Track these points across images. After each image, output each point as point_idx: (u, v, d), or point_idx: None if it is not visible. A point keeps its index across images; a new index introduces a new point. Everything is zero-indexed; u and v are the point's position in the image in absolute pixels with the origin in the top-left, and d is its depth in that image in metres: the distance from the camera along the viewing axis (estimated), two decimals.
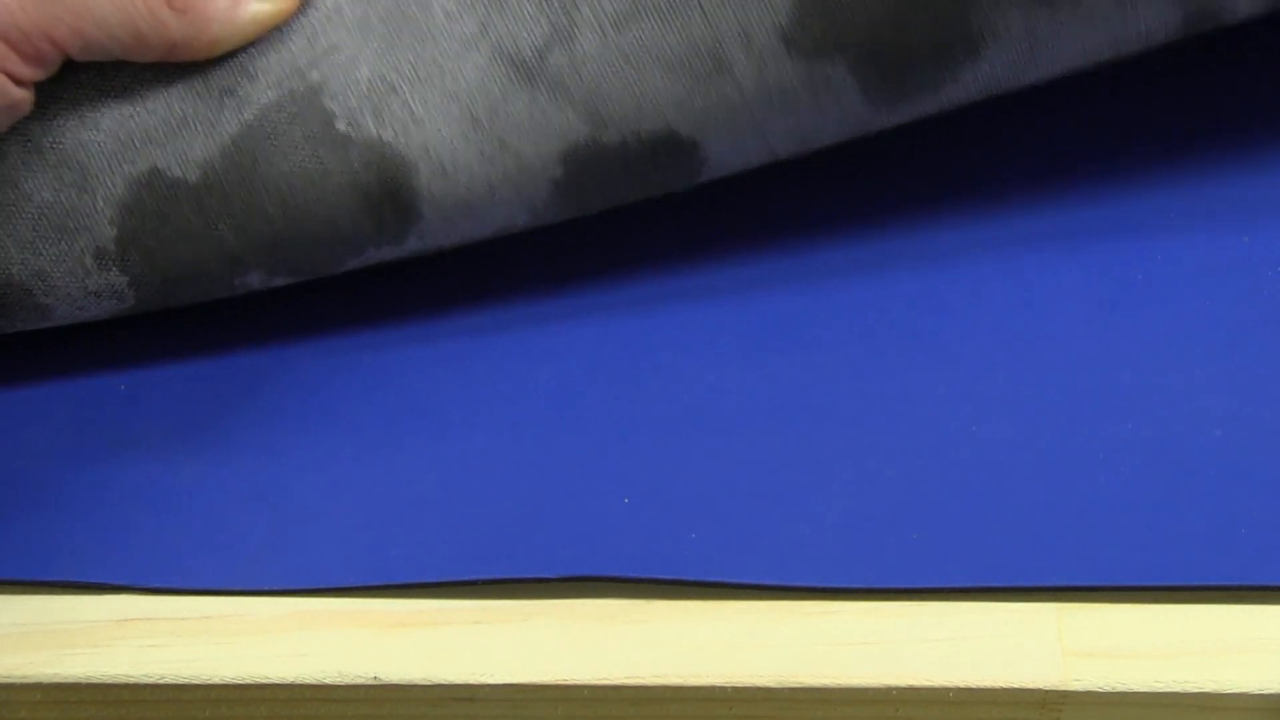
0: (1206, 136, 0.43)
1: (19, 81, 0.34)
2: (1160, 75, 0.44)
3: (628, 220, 0.40)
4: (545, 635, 0.34)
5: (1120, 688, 0.33)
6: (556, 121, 0.36)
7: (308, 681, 0.34)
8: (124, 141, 0.36)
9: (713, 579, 0.35)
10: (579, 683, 0.34)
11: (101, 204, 0.36)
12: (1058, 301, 0.39)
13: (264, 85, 0.36)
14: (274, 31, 0.36)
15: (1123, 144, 0.43)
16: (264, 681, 0.34)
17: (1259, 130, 0.43)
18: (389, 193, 0.36)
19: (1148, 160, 0.42)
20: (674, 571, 0.35)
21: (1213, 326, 0.39)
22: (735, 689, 0.33)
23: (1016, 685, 0.33)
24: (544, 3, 0.35)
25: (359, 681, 0.34)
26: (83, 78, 0.35)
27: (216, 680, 0.34)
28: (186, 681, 0.34)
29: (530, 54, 0.36)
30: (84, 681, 0.34)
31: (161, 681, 0.34)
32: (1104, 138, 0.43)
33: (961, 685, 0.33)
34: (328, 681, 0.34)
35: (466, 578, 0.35)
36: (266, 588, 0.35)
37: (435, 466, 0.37)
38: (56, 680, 0.34)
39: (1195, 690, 0.33)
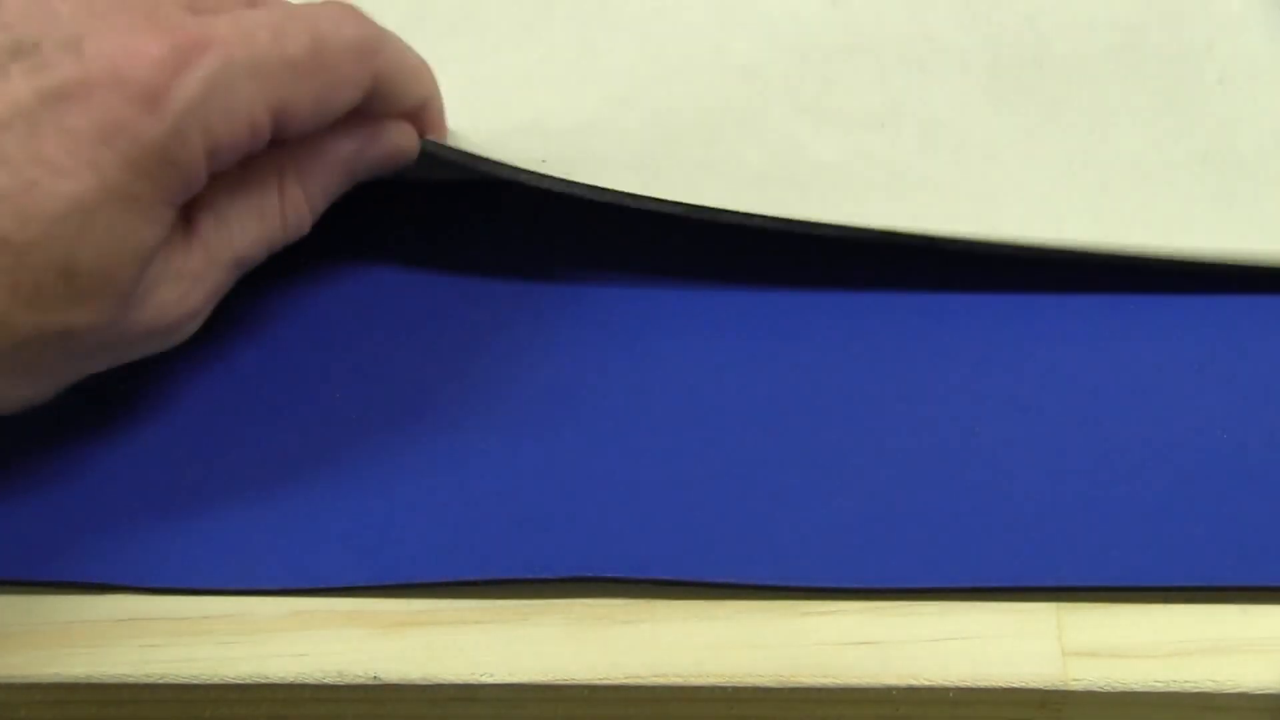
0: None
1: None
2: None
3: (629, 220, 0.40)
4: (545, 635, 0.34)
5: (1120, 688, 0.33)
6: None
7: (308, 681, 0.34)
8: None
9: (713, 579, 0.35)
10: (579, 683, 0.34)
11: None
12: (1058, 300, 0.39)
13: None
14: None
15: None
16: (264, 681, 0.34)
17: None
18: None
19: None
20: (674, 571, 0.35)
21: (1214, 326, 0.39)
22: (735, 689, 0.33)
23: (1016, 685, 0.33)
24: None
25: (359, 681, 0.34)
26: None
27: (216, 680, 0.34)
28: (186, 681, 0.34)
29: None
30: (84, 681, 0.34)
31: (161, 681, 0.34)
32: None
33: (961, 685, 0.33)
34: (328, 681, 0.34)
35: (466, 577, 0.35)
36: (266, 588, 0.35)
37: (435, 466, 0.37)
38: (56, 680, 0.34)
39: (1195, 690, 0.33)
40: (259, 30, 0.33)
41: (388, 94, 0.36)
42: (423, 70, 0.38)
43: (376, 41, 0.36)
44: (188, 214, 0.34)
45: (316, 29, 0.34)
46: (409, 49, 0.37)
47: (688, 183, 0.40)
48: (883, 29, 0.45)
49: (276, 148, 0.35)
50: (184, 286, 0.34)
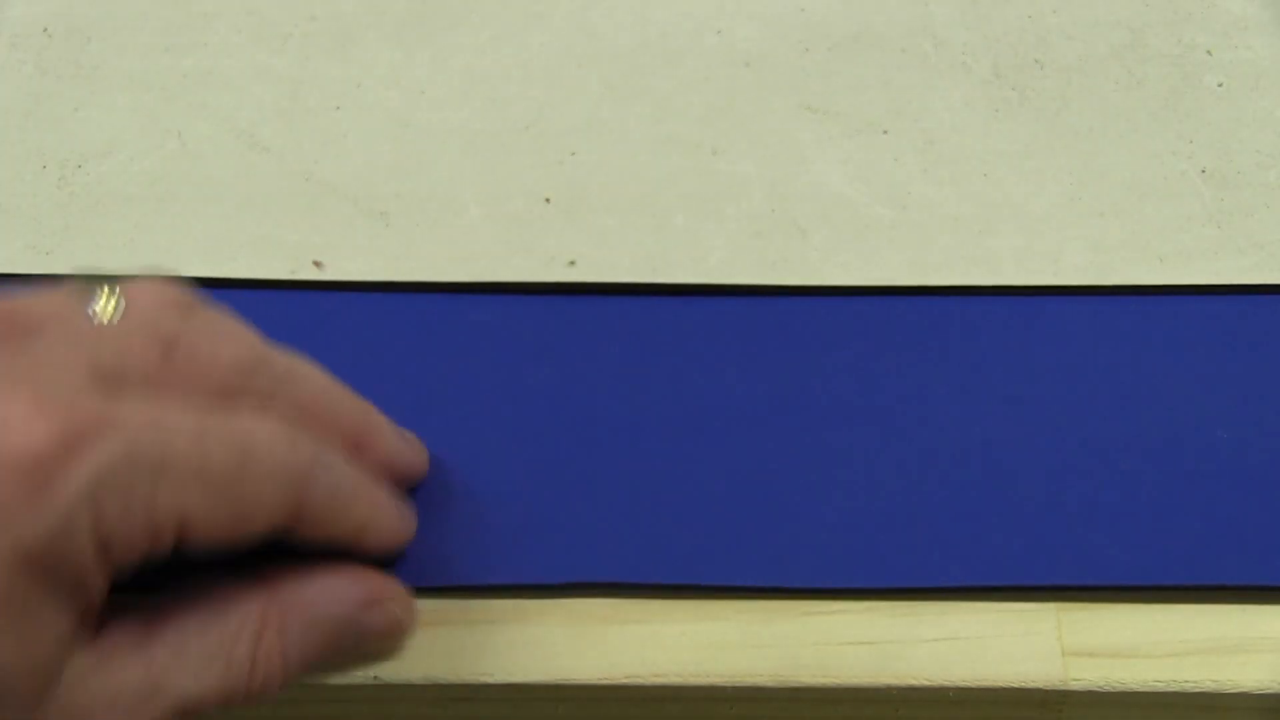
0: None
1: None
2: None
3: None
4: (545, 635, 0.34)
5: (1120, 688, 0.33)
6: None
7: (308, 681, 0.34)
8: None
9: (714, 582, 0.35)
10: (579, 683, 0.34)
11: None
12: (1058, 300, 0.39)
13: None
14: None
15: None
16: None
17: None
18: None
19: None
20: (675, 575, 0.35)
21: (1213, 326, 0.39)
22: (735, 689, 0.33)
23: (1016, 685, 0.33)
24: None
25: (359, 681, 0.34)
26: None
27: None
28: None
29: None
30: None
31: None
32: None
33: (961, 685, 0.33)
34: (328, 682, 0.34)
35: (468, 582, 0.35)
36: None
37: (436, 470, 0.37)
38: None
39: (1195, 690, 0.33)
40: (180, 429, 0.29)
41: (316, 521, 0.32)
42: (359, 495, 0.33)
43: (306, 471, 0.31)
44: (147, 630, 0.30)
45: (246, 445, 0.30)
46: (348, 474, 0.32)
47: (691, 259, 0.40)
48: (887, 22, 0.45)
49: (259, 587, 0.31)
50: (116, 714, 0.29)
